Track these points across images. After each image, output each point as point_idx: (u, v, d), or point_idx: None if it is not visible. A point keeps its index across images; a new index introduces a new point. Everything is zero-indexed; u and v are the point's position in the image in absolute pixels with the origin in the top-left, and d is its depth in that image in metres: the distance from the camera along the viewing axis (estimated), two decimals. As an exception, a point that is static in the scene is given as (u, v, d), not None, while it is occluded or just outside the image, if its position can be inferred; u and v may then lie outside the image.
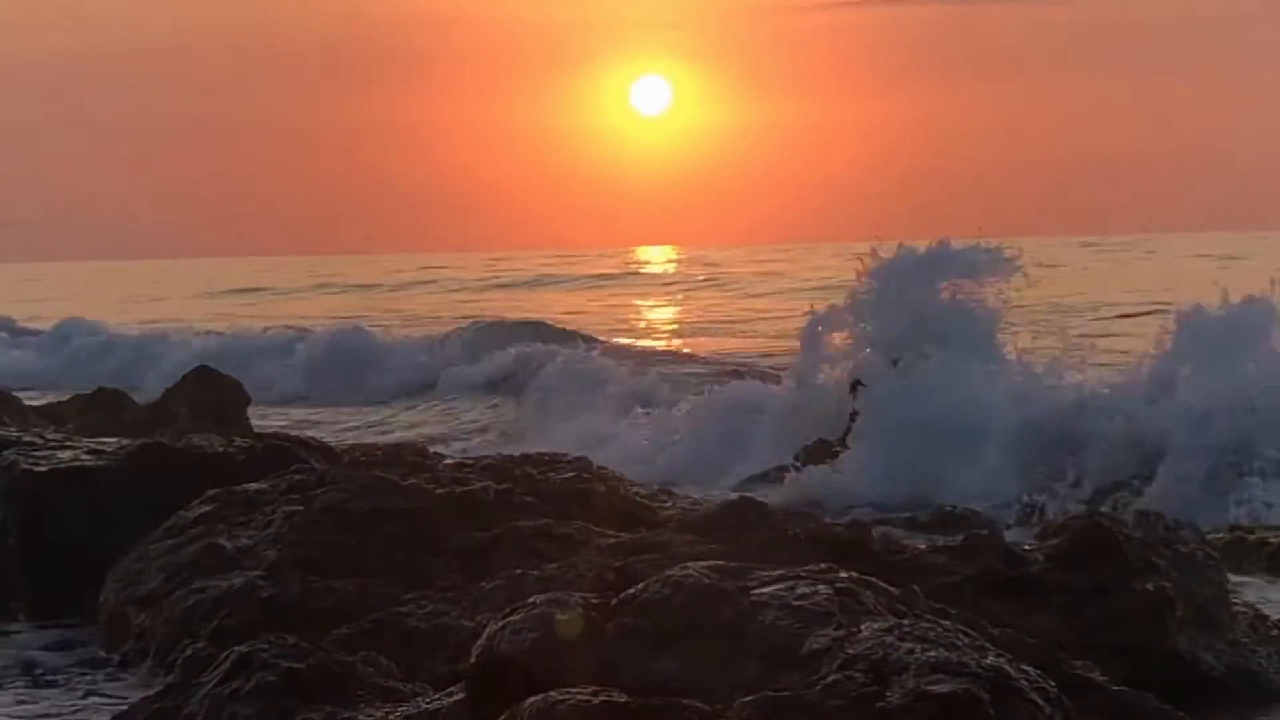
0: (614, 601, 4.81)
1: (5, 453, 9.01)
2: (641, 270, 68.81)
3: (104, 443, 9.44)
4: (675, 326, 38.25)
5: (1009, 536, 7.91)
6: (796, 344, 16.09)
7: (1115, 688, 5.12)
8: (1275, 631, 6.58)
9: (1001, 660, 4.32)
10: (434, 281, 61.56)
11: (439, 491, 7.78)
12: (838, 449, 13.63)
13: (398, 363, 26.11)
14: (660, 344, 30.73)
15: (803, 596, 4.67)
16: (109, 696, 6.78)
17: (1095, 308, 32.79)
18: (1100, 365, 15.51)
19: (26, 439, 9.53)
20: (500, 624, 4.85)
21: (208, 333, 33.07)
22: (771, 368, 20.87)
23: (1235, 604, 6.60)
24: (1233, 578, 7.20)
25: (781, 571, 4.90)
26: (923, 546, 6.84)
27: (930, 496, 12.13)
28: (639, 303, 46.73)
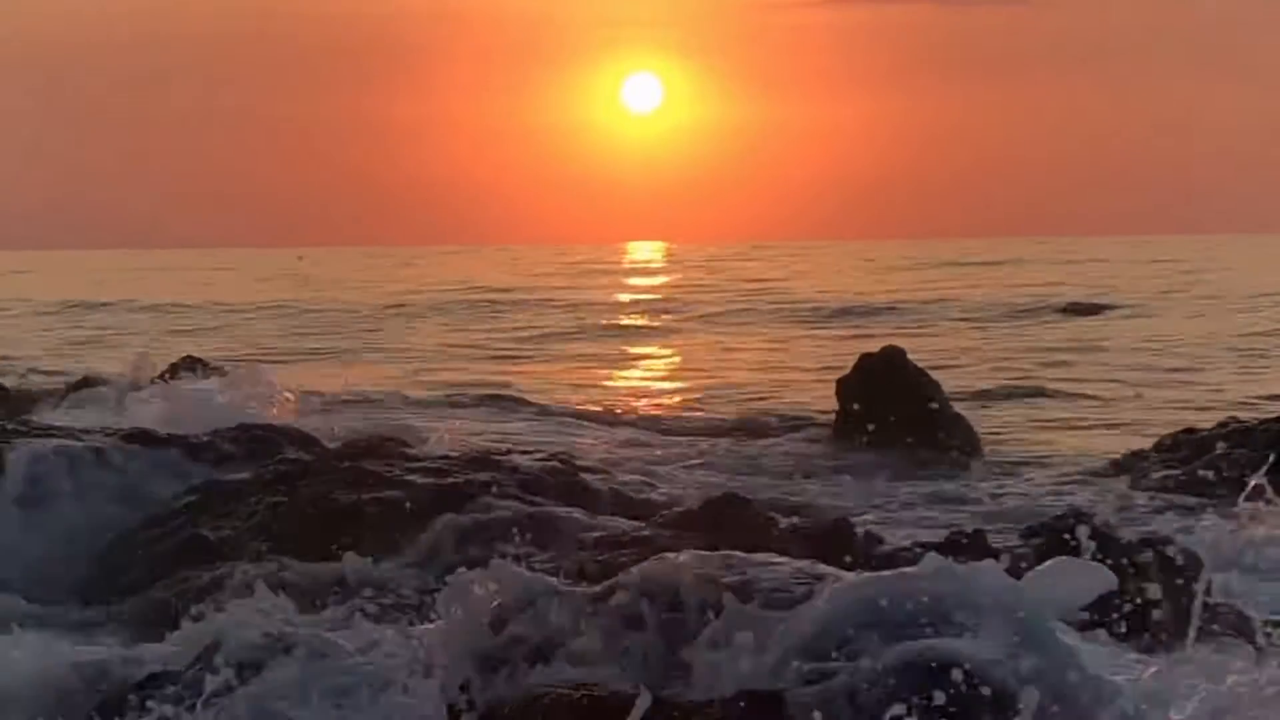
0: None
1: (-8, 438, 8.98)
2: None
3: (90, 429, 9.42)
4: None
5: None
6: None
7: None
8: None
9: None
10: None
11: (422, 482, 7.78)
12: None
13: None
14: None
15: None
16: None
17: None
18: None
19: (11, 425, 9.52)
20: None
21: None
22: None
23: (1218, 602, 6.60)
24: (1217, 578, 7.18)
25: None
26: (905, 541, 6.85)
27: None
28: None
